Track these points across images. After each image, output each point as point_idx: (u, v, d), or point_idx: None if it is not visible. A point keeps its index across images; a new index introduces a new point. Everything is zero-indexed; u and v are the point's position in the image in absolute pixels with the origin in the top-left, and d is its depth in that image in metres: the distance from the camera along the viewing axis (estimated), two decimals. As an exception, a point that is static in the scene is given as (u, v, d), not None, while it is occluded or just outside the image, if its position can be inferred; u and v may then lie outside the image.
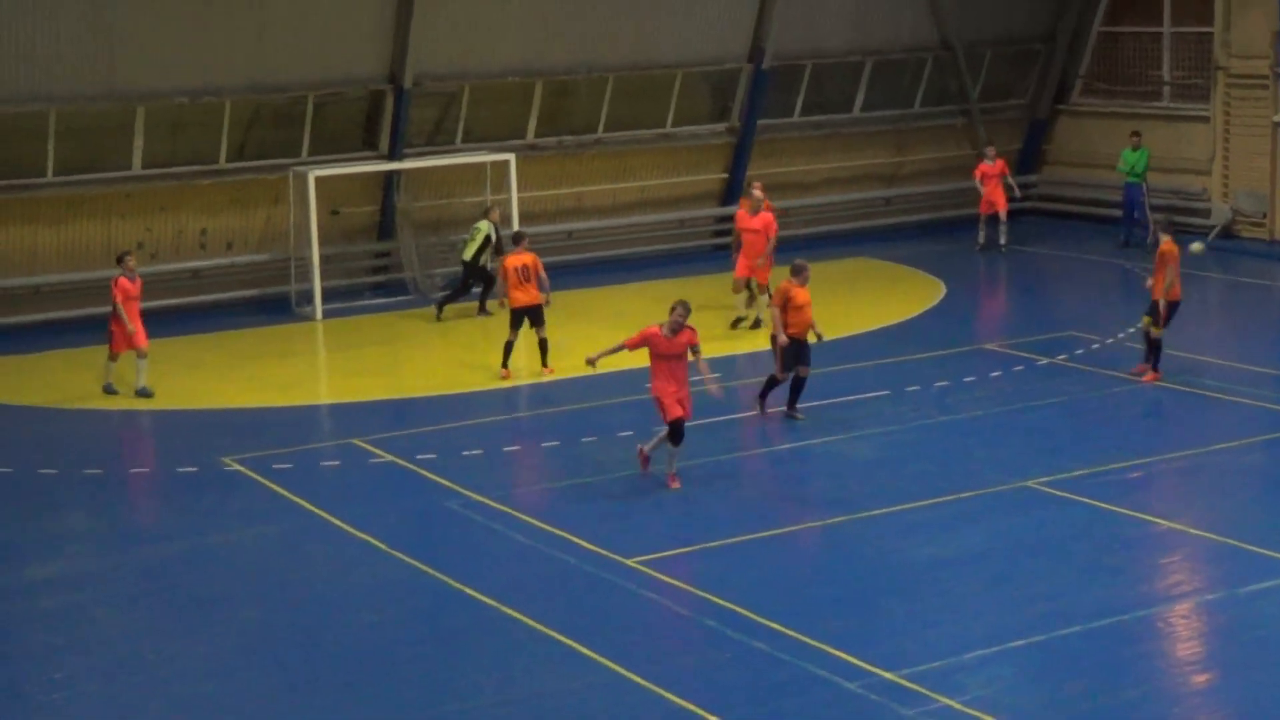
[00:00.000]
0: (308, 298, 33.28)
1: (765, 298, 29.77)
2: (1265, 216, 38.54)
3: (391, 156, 35.07)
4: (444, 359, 30.27)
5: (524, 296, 27.76)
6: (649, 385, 22.03)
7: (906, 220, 41.80)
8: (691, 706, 15.48)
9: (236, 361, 30.02)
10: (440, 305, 33.11)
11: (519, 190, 34.79)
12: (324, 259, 33.34)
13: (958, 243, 40.01)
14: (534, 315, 27.92)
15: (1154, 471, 22.66)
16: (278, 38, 33.12)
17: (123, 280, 26.75)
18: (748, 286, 31.40)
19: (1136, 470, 22.61)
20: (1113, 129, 41.04)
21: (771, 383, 25.17)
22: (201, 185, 33.77)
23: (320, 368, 30.67)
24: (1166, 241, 26.80)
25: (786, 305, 24.53)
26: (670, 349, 21.63)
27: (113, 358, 27.11)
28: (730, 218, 38.80)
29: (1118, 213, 39.78)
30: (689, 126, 39.04)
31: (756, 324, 30.97)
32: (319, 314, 33.17)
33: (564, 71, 36.80)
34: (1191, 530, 20.35)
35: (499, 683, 16.25)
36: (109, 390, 27.13)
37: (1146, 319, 26.89)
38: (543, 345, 28.08)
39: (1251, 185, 38.83)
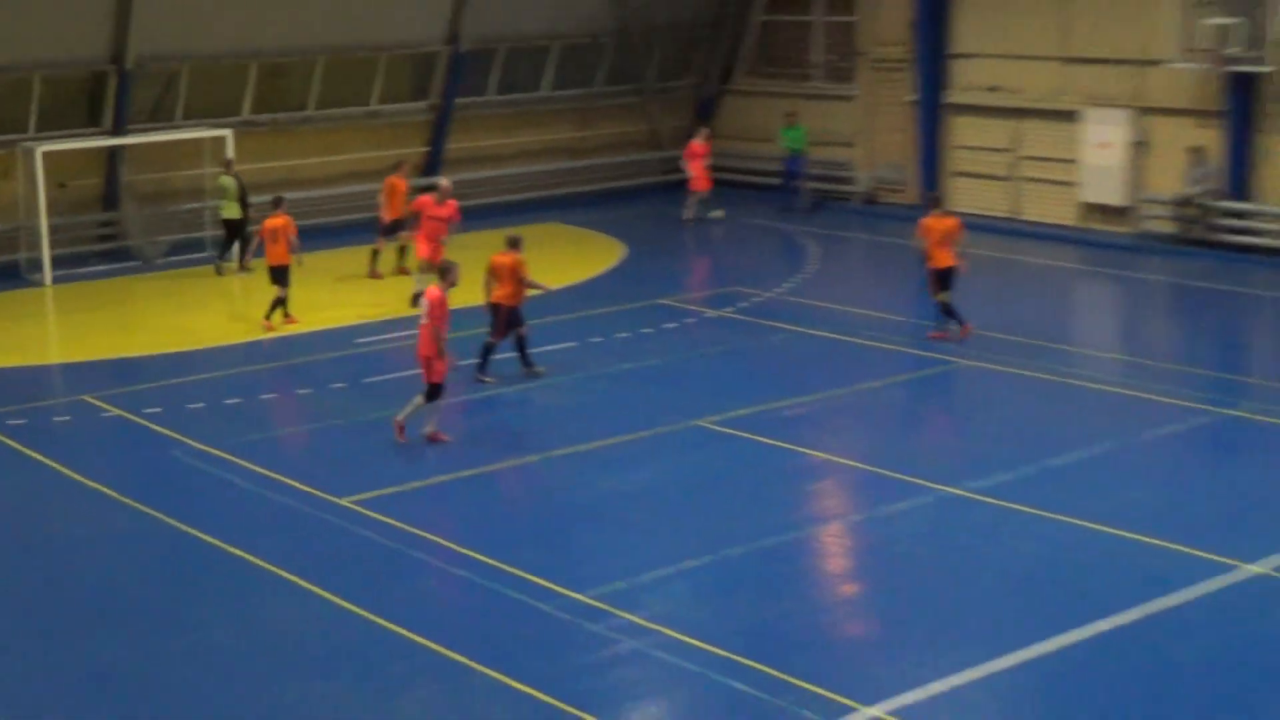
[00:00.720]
0: (37, 265, 32.43)
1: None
2: (902, 184, 39.61)
3: (115, 132, 34.36)
4: (168, 320, 29.69)
5: (271, 256, 28.19)
6: (424, 349, 21.30)
7: (591, 189, 42.00)
8: (403, 631, 15.67)
9: (-31, 325, 29.28)
10: (220, 264, 33.58)
11: (240, 162, 34.31)
12: (52, 228, 32.49)
13: (637, 208, 40.42)
14: (277, 273, 28.16)
15: (807, 409, 23.25)
16: (3, 19, 32.07)
17: None
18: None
19: (793, 409, 23.17)
20: (772, 107, 41.68)
21: (489, 350, 24.77)
22: (-67, 160, 32.81)
23: (50, 330, 29.99)
24: (935, 216, 26.81)
25: (521, 275, 24.70)
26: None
27: None
28: (431, 188, 38.90)
29: (778, 181, 40.54)
30: (393, 105, 38.88)
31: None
32: (48, 280, 32.31)
33: (276, 53, 36.39)
34: (839, 460, 20.97)
35: (228, 617, 16.27)
36: None
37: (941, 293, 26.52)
38: (276, 302, 28.18)
39: (891, 157, 39.88)
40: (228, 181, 33.57)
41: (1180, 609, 15.97)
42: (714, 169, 43.48)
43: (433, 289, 21.45)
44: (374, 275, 32.48)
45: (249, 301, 31.76)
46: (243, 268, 33.10)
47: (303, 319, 28.38)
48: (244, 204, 33.57)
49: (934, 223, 26.69)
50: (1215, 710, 13.87)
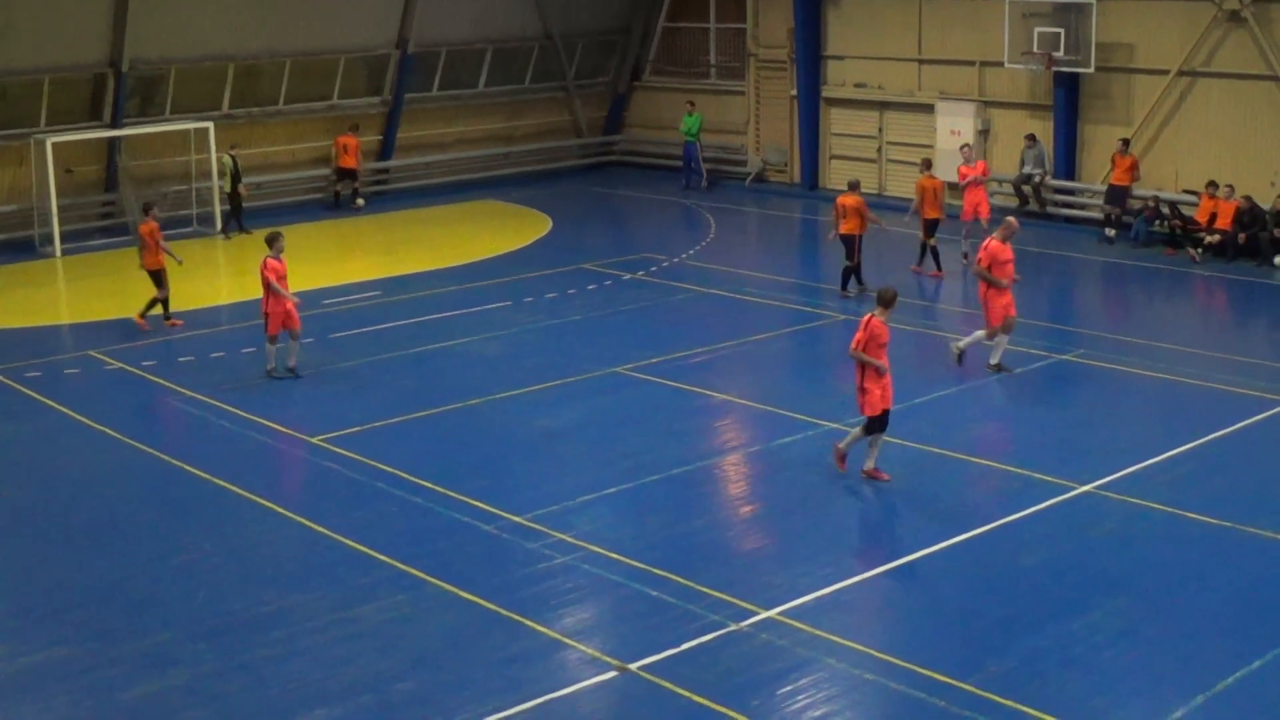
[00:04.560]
0: (49, 239, 31.90)
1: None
2: (786, 165, 39.58)
3: (114, 125, 33.77)
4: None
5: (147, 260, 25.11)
6: (866, 383, 17.09)
7: (521, 170, 41.75)
8: (365, 549, 15.55)
9: (-9, 292, 28.77)
10: (232, 229, 33.96)
11: (217, 151, 33.99)
12: (61, 208, 31.99)
13: (561, 187, 40.15)
14: (157, 275, 25.14)
15: (710, 357, 23.12)
16: (17, 31, 31.52)
17: (270, 261, 21.87)
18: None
19: (697, 356, 23.07)
20: (675, 101, 41.50)
21: (849, 272, 26.83)
22: (-42, 152, 32.19)
23: (61, 295, 29.41)
24: (926, 177, 28.42)
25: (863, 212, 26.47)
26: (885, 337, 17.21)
27: (271, 340, 22.11)
28: (383, 173, 38.56)
29: (679, 164, 40.40)
30: (351, 99, 38.36)
31: None
32: (58, 252, 31.74)
33: (251, 56, 35.80)
34: (738, 400, 20.91)
35: (215, 538, 16.08)
36: (274, 374, 22.12)
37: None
38: (154, 303, 25.30)
39: (776, 142, 39.80)
40: (228, 160, 33.87)
41: (1025, 522, 16.04)
42: (628, 153, 43.51)
43: (876, 319, 17.10)
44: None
45: (231, 269, 31.37)
46: (242, 230, 33.79)
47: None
48: (235, 177, 33.81)
49: (926, 182, 28.32)
50: (1055, 604, 13.93)
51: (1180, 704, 12.10)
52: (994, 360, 21.87)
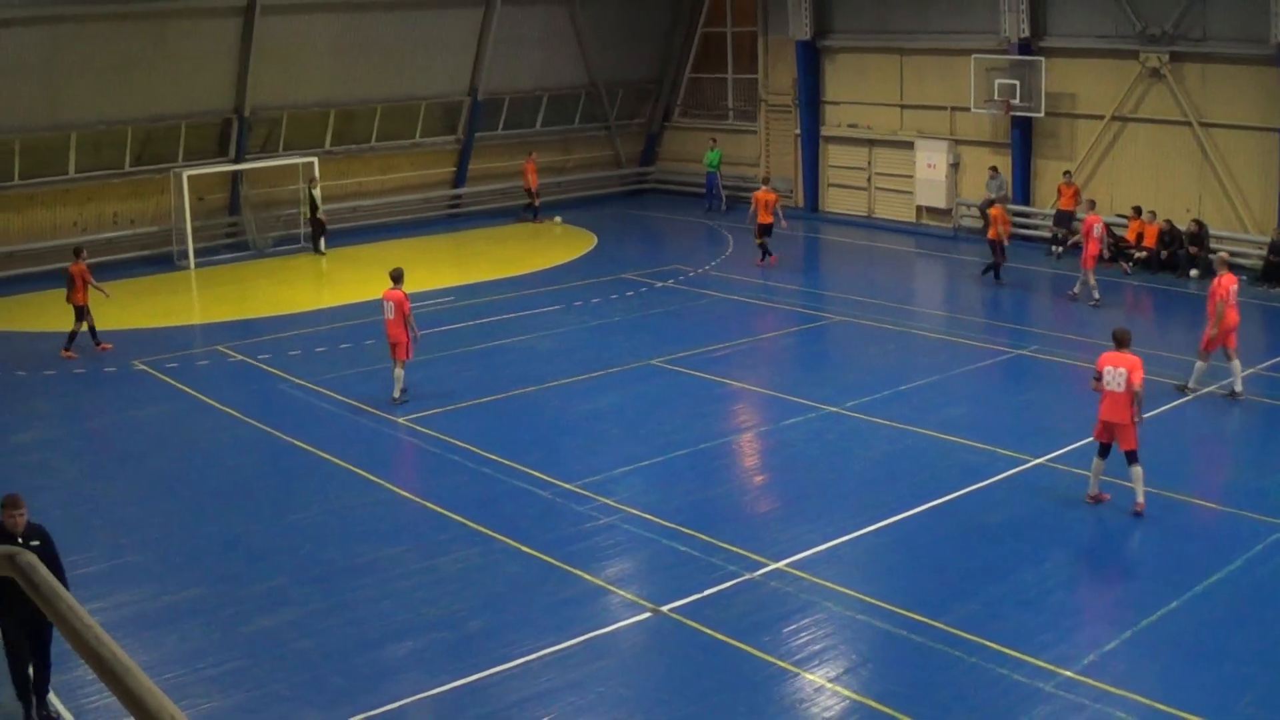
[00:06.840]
0: (184, 254, 32.08)
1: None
2: (792, 192, 39.44)
3: (237, 160, 33.92)
4: (274, 292, 29.39)
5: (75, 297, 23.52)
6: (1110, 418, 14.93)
7: (571, 196, 41.70)
8: (443, 510, 15.63)
9: (137, 298, 28.68)
10: (316, 248, 33.58)
11: (322, 180, 34.12)
12: (194, 229, 32.19)
13: (605, 210, 40.06)
14: (80, 311, 23.49)
15: (728, 352, 23.07)
16: (161, 85, 31.75)
17: (401, 293, 19.86)
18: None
19: (717, 351, 23.03)
20: (699, 138, 41.43)
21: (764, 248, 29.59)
22: (114, 183, 32.22)
23: (194, 300, 29.56)
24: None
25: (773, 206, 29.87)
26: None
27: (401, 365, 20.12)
28: (456, 198, 38.64)
29: (703, 191, 40.34)
30: (430, 138, 38.43)
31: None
32: (192, 265, 31.91)
33: (348, 103, 35.91)
34: (751, 387, 20.89)
35: (321, 500, 16.18)
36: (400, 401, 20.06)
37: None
38: (74, 336, 23.74)
39: (783, 173, 39.68)
40: (305, 191, 33.85)
41: (989, 489, 16.00)
42: (660, 181, 43.35)
43: (1133, 357, 15.02)
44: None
45: (330, 279, 31.48)
46: (318, 250, 33.65)
47: (371, 289, 28.14)
48: (312, 206, 33.71)
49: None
50: (1012, 557, 13.90)
51: (1111, 638, 12.08)
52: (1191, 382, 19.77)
